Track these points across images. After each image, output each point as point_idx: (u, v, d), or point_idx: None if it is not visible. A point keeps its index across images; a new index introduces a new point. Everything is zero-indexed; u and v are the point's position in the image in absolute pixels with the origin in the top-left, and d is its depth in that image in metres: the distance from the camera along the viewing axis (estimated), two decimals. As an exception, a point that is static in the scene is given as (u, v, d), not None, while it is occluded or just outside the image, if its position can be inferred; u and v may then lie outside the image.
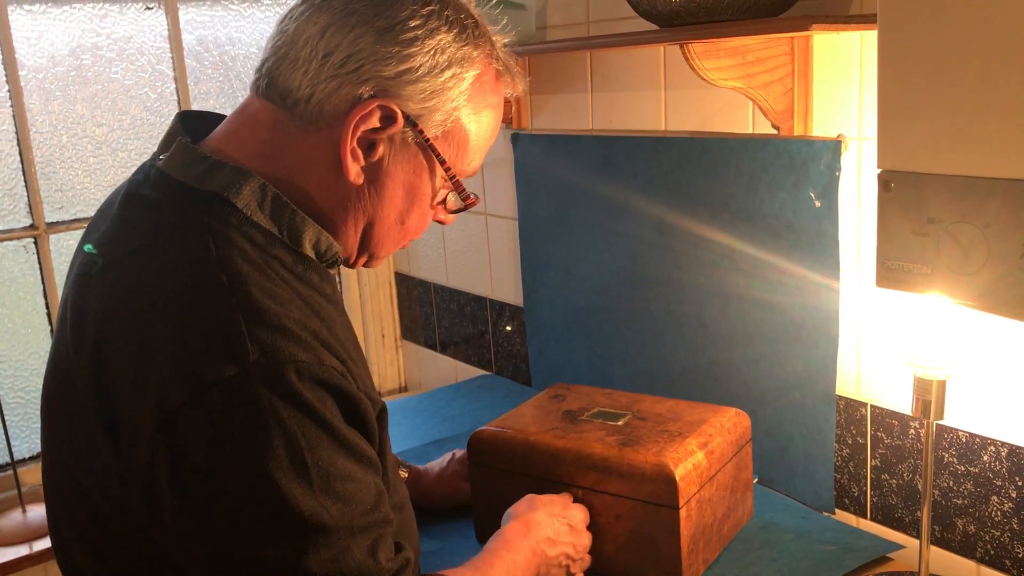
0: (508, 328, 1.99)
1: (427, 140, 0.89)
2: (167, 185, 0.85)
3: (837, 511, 1.39)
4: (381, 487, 0.85)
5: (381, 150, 0.87)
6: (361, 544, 0.80)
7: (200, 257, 0.80)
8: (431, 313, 2.24)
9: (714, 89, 1.41)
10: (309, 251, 0.88)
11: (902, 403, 1.28)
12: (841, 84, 1.27)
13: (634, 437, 1.24)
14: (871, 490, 1.34)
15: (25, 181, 1.93)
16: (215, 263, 0.79)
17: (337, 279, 2.35)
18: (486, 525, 1.36)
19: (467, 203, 0.94)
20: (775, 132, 1.35)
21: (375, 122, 0.85)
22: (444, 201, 0.96)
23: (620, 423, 1.29)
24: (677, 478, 1.17)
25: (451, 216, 0.98)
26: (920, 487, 1.27)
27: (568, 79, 1.71)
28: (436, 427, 1.82)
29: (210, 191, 0.84)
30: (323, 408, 0.78)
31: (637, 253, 1.63)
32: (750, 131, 1.41)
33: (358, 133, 0.85)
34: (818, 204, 1.32)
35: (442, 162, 0.90)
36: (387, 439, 0.93)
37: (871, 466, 1.33)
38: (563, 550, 1.14)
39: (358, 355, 0.93)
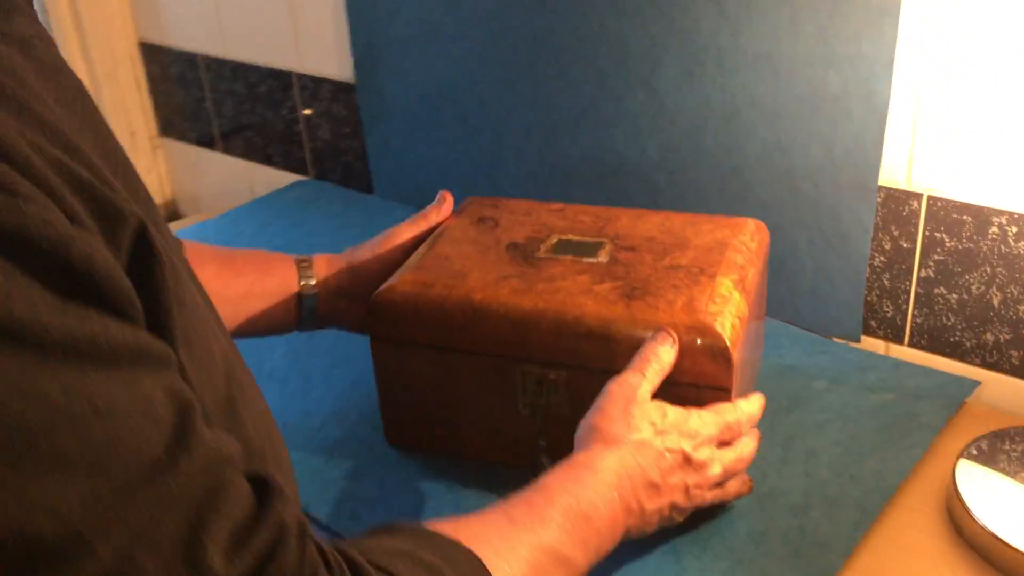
0: (308, 112, 1.43)
1: None
2: None
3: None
4: (182, 392, 0.43)
5: None
6: (164, 538, 0.39)
7: None
8: (203, 98, 1.61)
9: None
10: None
11: (979, 194, 0.91)
12: None
13: (637, 282, 0.80)
14: (914, 308, 1.00)
15: None
16: None
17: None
18: (402, 427, 0.90)
19: None
20: None
21: None
22: None
23: (601, 258, 0.84)
24: (729, 344, 0.76)
25: None
26: (997, 303, 0.94)
27: None
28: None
29: None
30: None
31: (546, -6, 1.11)
32: None
33: None
34: (871, -99, 0.86)
35: None
36: (176, 275, 0.47)
37: (918, 277, 0.98)
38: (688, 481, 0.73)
39: (89, 128, 0.49)
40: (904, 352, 1.02)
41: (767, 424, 0.91)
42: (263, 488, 0.45)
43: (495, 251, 0.87)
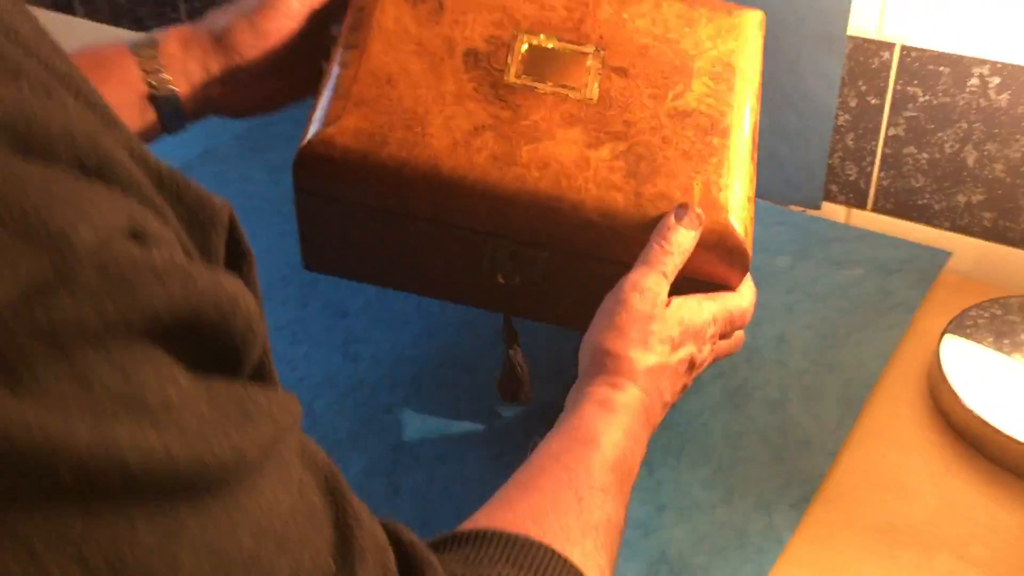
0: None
1: None
2: None
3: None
4: (314, 455, 0.36)
5: None
6: None
7: None
8: (54, -47, 1.38)
9: None
10: None
11: (959, 43, 0.82)
12: None
13: (642, 146, 0.66)
14: (880, 170, 0.91)
15: None
16: None
17: None
18: (325, 260, 0.74)
19: None
20: None
21: None
22: None
23: (591, 92, 0.67)
24: (747, 245, 0.65)
25: None
26: (973, 162, 0.86)
27: None
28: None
29: None
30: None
31: None
32: None
33: None
34: None
35: None
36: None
37: (886, 136, 0.90)
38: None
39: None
40: (867, 217, 0.94)
41: (731, 309, 0.84)
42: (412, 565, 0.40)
43: (451, 65, 0.67)
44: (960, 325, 0.78)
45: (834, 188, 0.95)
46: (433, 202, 0.65)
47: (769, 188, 0.96)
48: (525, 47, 0.68)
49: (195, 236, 0.31)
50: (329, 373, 0.79)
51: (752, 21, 0.73)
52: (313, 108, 0.66)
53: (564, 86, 0.67)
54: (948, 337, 0.77)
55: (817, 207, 0.95)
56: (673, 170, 0.65)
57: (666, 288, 0.62)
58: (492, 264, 0.69)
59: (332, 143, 0.64)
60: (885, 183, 0.92)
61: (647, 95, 0.68)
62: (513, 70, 0.67)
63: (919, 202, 0.91)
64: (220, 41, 0.69)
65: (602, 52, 0.69)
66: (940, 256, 0.87)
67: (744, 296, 0.68)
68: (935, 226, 0.91)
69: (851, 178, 0.93)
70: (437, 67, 0.67)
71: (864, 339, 0.79)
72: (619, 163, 0.65)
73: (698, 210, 0.63)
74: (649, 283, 0.61)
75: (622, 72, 0.68)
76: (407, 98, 0.65)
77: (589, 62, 0.68)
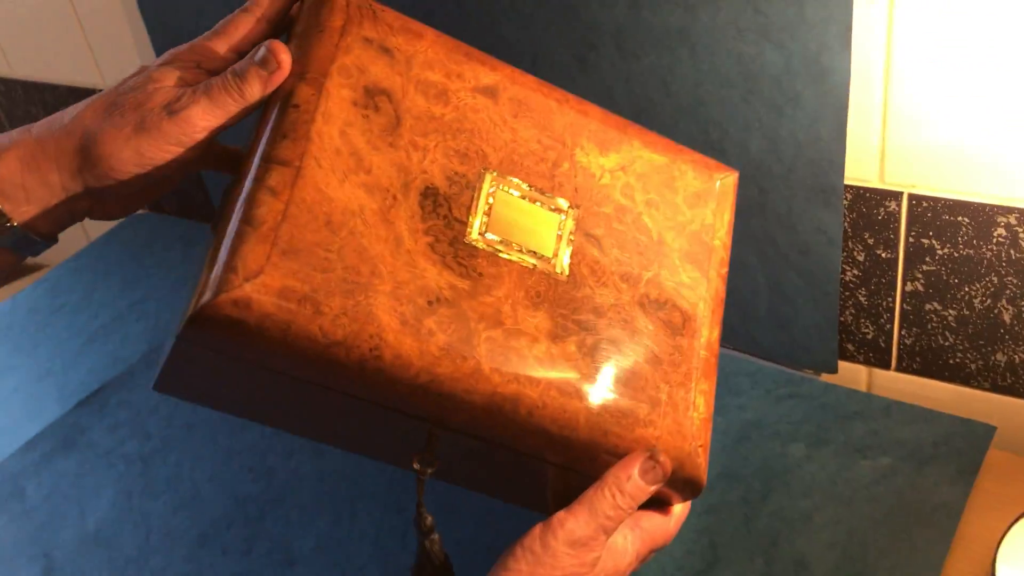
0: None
1: None
2: None
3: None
4: None
5: None
6: None
7: None
8: None
9: None
10: None
11: (978, 188, 0.70)
12: None
13: (609, 345, 0.55)
14: (901, 328, 0.79)
15: None
16: None
17: None
18: (183, 382, 0.56)
19: None
20: None
21: None
22: None
23: (559, 264, 0.55)
24: (703, 476, 0.55)
25: None
26: (1009, 318, 0.73)
27: None
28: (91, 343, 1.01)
29: None
30: None
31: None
32: None
33: None
34: None
35: None
36: None
37: (903, 292, 0.77)
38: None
39: None
40: (892, 379, 0.81)
41: (740, 521, 0.71)
42: None
43: (405, 209, 0.53)
44: (1018, 537, 0.64)
45: (851, 347, 0.82)
46: (361, 386, 0.52)
47: (777, 351, 0.84)
48: (491, 192, 0.55)
49: None
50: (270, 650, 0.68)
51: (730, 187, 0.62)
52: (215, 240, 0.49)
53: (533, 252, 0.55)
54: (1003, 555, 0.63)
55: (833, 370, 0.83)
56: (640, 381, 0.54)
57: (604, 545, 0.53)
58: (407, 444, 0.56)
59: (247, 305, 0.47)
60: (908, 341, 0.79)
61: (619, 275, 0.56)
62: (477, 225, 0.54)
63: (951, 360, 0.78)
64: (90, 160, 0.53)
65: (575, 211, 0.57)
66: (983, 432, 0.74)
67: (674, 518, 0.57)
68: (972, 387, 0.78)
69: (868, 336, 0.81)
70: (388, 210, 0.52)
71: (900, 561, 0.66)
72: (585, 365, 0.53)
73: (662, 458, 0.52)
74: (587, 538, 0.52)
75: (595, 242, 0.56)
76: (350, 252, 0.50)
77: (561, 224, 0.56)
